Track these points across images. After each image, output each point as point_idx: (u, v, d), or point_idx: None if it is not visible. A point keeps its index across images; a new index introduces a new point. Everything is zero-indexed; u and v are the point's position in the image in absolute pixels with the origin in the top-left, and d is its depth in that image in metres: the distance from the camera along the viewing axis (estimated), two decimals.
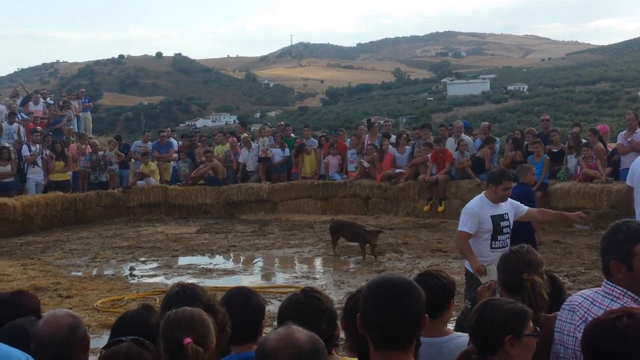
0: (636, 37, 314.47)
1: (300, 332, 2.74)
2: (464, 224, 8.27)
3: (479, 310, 3.57)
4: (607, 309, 3.50)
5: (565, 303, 3.89)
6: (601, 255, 3.74)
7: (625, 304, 3.54)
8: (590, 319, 3.49)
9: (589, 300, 3.73)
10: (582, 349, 3.18)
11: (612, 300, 3.63)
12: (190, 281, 4.37)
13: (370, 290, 3.12)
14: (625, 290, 3.62)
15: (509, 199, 8.47)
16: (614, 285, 3.66)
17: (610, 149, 18.38)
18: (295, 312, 3.96)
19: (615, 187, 16.62)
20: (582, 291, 3.91)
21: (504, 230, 8.33)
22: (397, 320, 3.00)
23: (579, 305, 3.74)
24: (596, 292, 3.76)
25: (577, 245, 15.12)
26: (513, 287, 4.19)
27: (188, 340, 3.36)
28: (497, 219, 8.27)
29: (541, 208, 10.55)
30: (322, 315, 3.92)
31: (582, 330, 3.33)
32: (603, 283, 3.74)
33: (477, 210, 8.23)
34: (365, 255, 14.51)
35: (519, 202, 8.73)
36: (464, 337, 4.22)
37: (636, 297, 3.61)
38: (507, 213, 8.39)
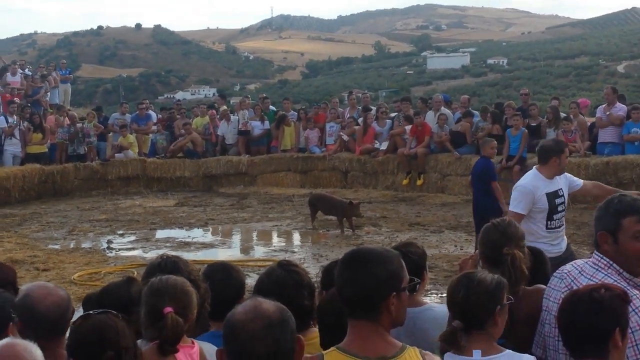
0: (615, 11, 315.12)
1: (268, 303, 2.72)
2: (517, 205, 7.48)
3: (465, 286, 3.57)
4: (591, 278, 3.58)
5: (556, 271, 3.94)
6: (593, 226, 3.78)
7: (608, 275, 3.58)
8: (575, 287, 3.54)
9: (578, 269, 3.77)
10: (558, 319, 3.20)
11: (597, 270, 3.66)
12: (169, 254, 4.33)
13: (341, 260, 3.16)
14: (611, 262, 3.65)
15: (565, 173, 7.79)
16: (601, 255, 3.70)
17: (588, 124, 18.45)
18: (275, 287, 3.92)
19: (592, 161, 16.70)
20: (575, 261, 3.99)
21: (559, 208, 7.53)
22: (350, 286, 3.03)
23: (568, 274, 3.79)
24: (586, 262, 3.80)
25: None
26: (494, 260, 4.20)
27: (169, 309, 3.39)
28: (552, 197, 7.48)
29: (596, 182, 9.56)
30: (303, 289, 3.91)
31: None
32: (597, 256, 3.76)
33: (531, 188, 7.46)
34: (344, 229, 14.51)
35: (572, 176, 8.10)
36: (439, 308, 4.29)
37: (621, 270, 3.63)
38: (561, 189, 7.62)
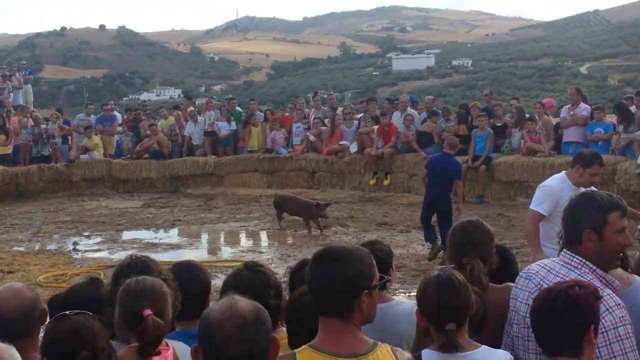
0: (578, 13, 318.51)
1: (244, 302, 2.71)
2: (539, 204, 7.15)
3: (453, 289, 3.58)
4: (564, 277, 3.56)
5: (522, 271, 3.93)
6: (568, 224, 3.75)
7: (582, 274, 3.58)
8: (545, 286, 3.53)
9: (546, 268, 3.76)
10: (531, 318, 3.21)
11: (569, 269, 3.66)
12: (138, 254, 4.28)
13: (312, 258, 3.15)
14: (584, 261, 3.66)
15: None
16: (573, 254, 3.69)
17: (554, 123, 18.63)
18: (242, 287, 3.93)
19: (557, 160, 16.84)
20: (541, 260, 3.98)
21: None
22: (326, 284, 3.02)
23: (536, 274, 3.77)
24: (554, 261, 3.80)
25: (520, 219, 15.26)
26: (458, 263, 4.25)
27: (148, 312, 3.35)
28: None
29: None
30: (270, 289, 3.91)
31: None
32: (562, 253, 3.77)
33: (557, 190, 7.08)
34: (311, 229, 14.53)
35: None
36: (406, 303, 4.39)
37: (594, 267, 3.65)
38: None
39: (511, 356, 3.64)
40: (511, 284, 4.12)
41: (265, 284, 3.92)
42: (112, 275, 3.94)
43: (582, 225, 3.66)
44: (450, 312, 3.54)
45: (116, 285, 3.65)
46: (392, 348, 3.11)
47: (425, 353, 3.51)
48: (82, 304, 3.70)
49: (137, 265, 3.91)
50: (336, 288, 3.00)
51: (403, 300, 4.47)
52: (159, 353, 3.39)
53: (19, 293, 3.59)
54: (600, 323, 3.30)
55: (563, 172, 7.34)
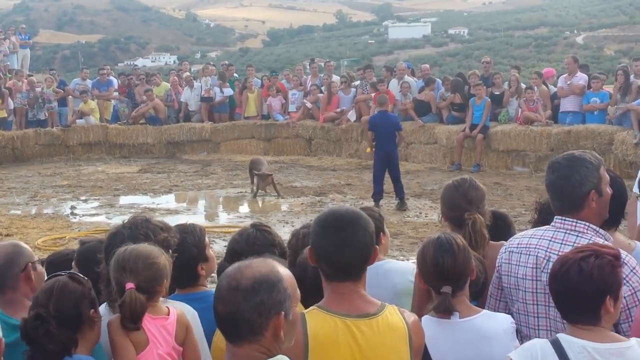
0: None
1: (253, 269, 2.63)
2: None
3: (448, 252, 3.59)
4: (575, 244, 3.50)
5: (511, 246, 3.84)
6: (569, 191, 3.66)
7: (591, 239, 3.53)
8: (554, 257, 3.48)
9: (546, 239, 3.68)
10: (550, 286, 3.19)
11: (577, 236, 3.61)
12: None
13: (318, 222, 3.15)
14: (587, 224, 3.63)
15: None
16: (574, 220, 3.64)
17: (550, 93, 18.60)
18: (248, 245, 3.96)
19: (554, 130, 16.87)
20: (526, 233, 3.87)
21: None
22: (344, 250, 3.02)
23: (537, 247, 3.69)
24: (549, 230, 3.72)
25: (517, 187, 15.35)
26: (455, 221, 4.27)
27: (130, 285, 3.32)
28: None
29: None
30: (274, 247, 3.94)
31: (548, 270, 3.33)
32: (558, 220, 3.70)
33: None
34: (257, 193, 15.11)
35: None
36: (398, 262, 4.64)
37: (597, 229, 3.64)
38: None
39: (512, 319, 3.65)
40: (505, 242, 4.08)
41: (270, 242, 3.96)
42: (107, 236, 3.90)
43: (585, 189, 3.60)
44: (446, 275, 3.56)
45: (109, 248, 3.66)
46: (399, 309, 3.15)
47: (425, 319, 3.53)
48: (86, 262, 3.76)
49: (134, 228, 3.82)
50: (354, 254, 3.04)
51: (390, 260, 4.52)
52: (138, 328, 3.35)
53: None
54: (628, 285, 3.33)
55: None
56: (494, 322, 3.60)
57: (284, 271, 2.66)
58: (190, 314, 3.66)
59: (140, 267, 3.38)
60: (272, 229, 4.15)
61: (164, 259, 3.51)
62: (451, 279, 3.56)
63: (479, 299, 4.01)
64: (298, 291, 2.71)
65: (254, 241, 3.95)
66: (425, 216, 12.88)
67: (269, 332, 2.57)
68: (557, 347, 3.00)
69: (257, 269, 2.61)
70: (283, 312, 2.57)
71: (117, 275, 3.39)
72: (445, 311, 3.52)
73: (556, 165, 3.71)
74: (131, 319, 3.32)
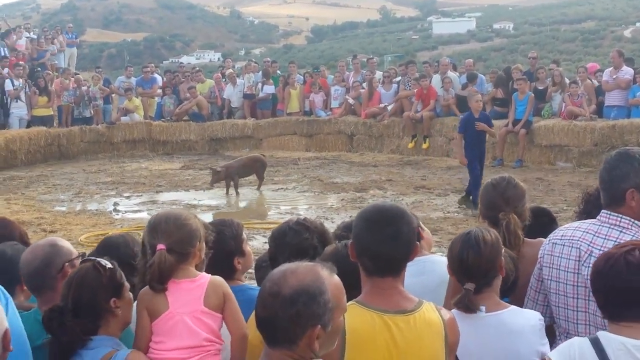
0: None
1: (298, 277, 2.60)
2: None
3: (473, 247, 3.57)
4: (618, 240, 3.45)
5: (554, 237, 3.82)
6: (610, 185, 3.63)
7: (635, 235, 3.49)
8: (596, 252, 3.45)
9: (591, 233, 3.64)
10: (593, 283, 3.12)
11: (620, 231, 3.55)
12: None
13: (361, 216, 3.15)
14: (632, 220, 3.57)
15: None
16: (619, 215, 3.59)
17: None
18: (284, 241, 3.99)
19: (598, 124, 16.68)
20: (571, 225, 3.84)
21: None
22: (387, 245, 3.02)
23: (580, 240, 3.65)
24: (594, 224, 3.68)
25: (559, 183, 15.20)
26: (492, 220, 4.24)
27: (161, 247, 3.36)
28: None
29: None
30: (312, 244, 3.94)
31: (590, 265, 3.30)
32: (604, 214, 3.65)
33: None
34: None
35: None
36: (436, 256, 4.41)
37: None
38: None
39: (541, 316, 3.62)
40: (543, 239, 4.05)
41: (305, 238, 3.94)
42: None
43: (625, 185, 3.55)
44: (469, 271, 3.55)
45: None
46: (437, 306, 3.15)
47: (454, 313, 3.52)
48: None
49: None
50: (399, 249, 3.05)
51: (432, 255, 4.50)
52: (164, 289, 3.39)
53: (35, 249, 3.70)
54: None
55: None
56: (521, 318, 3.57)
57: (330, 281, 2.64)
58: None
59: (171, 228, 3.42)
60: (313, 223, 4.10)
61: (197, 222, 3.54)
62: (475, 276, 3.54)
63: (510, 295, 3.97)
64: (344, 301, 2.70)
65: (292, 237, 3.96)
66: (466, 212, 12.79)
67: (303, 341, 2.56)
68: (596, 344, 2.95)
69: (301, 277, 2.59)
70: (320, 325, 2.55)
71: (149, 238, 3.44)
72: (465, 308, 3.50)
73: (608, 158, 3.70)
74: (159, 280, 3.36)
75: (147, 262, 3.48)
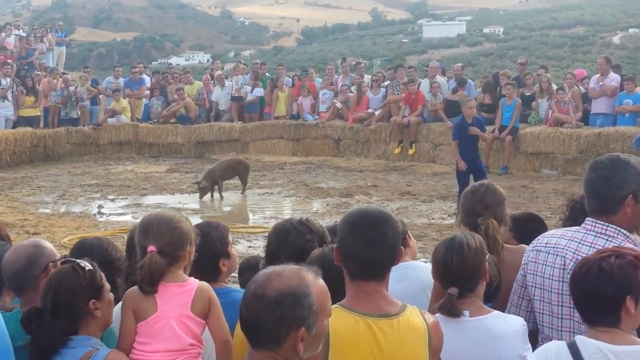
0: None
1: (283, 279, 2.61)
2: None
3: (457, 253, 3.59)
4: (602, 248, 3.42)
5: (538, 245, 3.81)
6: (604, 193, 3.59)
7: (620, 244, 3.47)
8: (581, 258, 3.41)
9: (576, 241, 3.63)
10: (570, 288, 3.18)
11: (606, 240, 3.54)
12: None
13: (345, 221, 3.16)
14: (618, 229, 3.56)
15: None
16: (605, 224, 3.58)
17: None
18: (282, 239, 4.03)
19: (584, 132, 16.72)
20: (555, 232, 3.82)
21: None
22: (372, 249, 3.04)
23: (565, 248, 3.64)
24: (579, 231, 3.67)
25: (544, 190, 15.24)
26: (473, 226, 4.26)
27: (152, 248, 3.38)
28: None
29: None
30: (312, 242, 3.96)
31: None
32: (590, 222, 3.64)
33: None
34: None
35: None
36: (419, 262, 4.47)
37: (627, 234, 3.56)
38: None
39: (524, 322, 3.65)
40: (524, 246, 4.07)
41: (305, 237, 3.96)
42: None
43: (623, 192, 3.53)
44: (453, 276, 3.57)
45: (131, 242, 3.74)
46: (421, 310, 3.17)
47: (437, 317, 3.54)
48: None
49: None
50: (383, 253, 3.06)
51: (415, 262, 4.52)
52: (155, 291, 3.41)
53: (19, 249, 3.71)
54: None
55: None
56: (504, 323, 3.60)
57: (315, 284, 2.64)
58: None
59: (163, 230, 3.45)
60: (315, 224, 4.08)
61: (188, 224, 3.58)
62: (459, 280, 3.56)
63: (493, 301, 4.00)
64: (329, 305, 2.71)
65: (296, 236, 3.97)
66: (451, 218, 12.81)
67: (287, 343, 2.57)
68: (573, 348, 2.99)
69: (285, 280, 2.59)
70: (304, 327, 2.56)
71: (140, 239, 3.46)
72: (448, 312, 3.52)
73: (598, 164, 3.65)
74: (149, 282, 3.39)
75: (131, 262, 3.51)
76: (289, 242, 3.95)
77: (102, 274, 3.44)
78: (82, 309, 3.30)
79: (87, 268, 3.34)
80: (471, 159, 12.93)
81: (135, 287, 3.47)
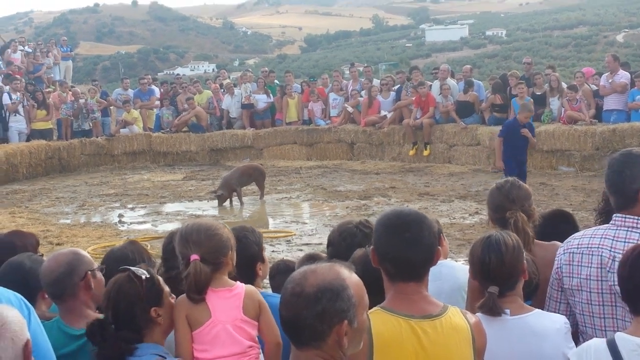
0: None
1: (320, 275, 2.61)
2: None
3: (495, 252, 3.58)
4: (638, 242, 3.40)
5: (570, 247, 3.79)
6: (620, 188, 3.62)
7: None
8: (619, 256, 3.39)
9: (609, 238, 3.61)
10: (620, 282, 3.15)
11: None
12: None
13: (381, 222, 3.14)
14: None
15: None
16: (635, 217, 3.57)
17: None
18: (343, 240, 4.14)
19: (599, 128, 16.74)
20: (585, 233, 3.81)
21: None
22: (409, 250, 3.03)
23: (600, 246, 3.62)
24: (610, 228, 3.65)
25: (563, 187, 15.25)
26: (500, 222, 4.27)
27: (194, 257, 3.41)
28: None
29: None
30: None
31: (615, 270, 3.31)
32: (619, 218, 3.64)
33: None
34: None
35: None
36: (452, 262, 4.54)
37: None
38: None
39: (566, 320, 3.60)
40: (558, 242, 4.06)
41: (368, 237, 3.96)
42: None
43: (636, 185, 3.54)
44: (492, 274, 3.55)
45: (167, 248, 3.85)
46: (462, 310, 3.15)
47: (479, 316, 3.53)
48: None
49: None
50: (420, 253, 3.05)
51: (447, 262, 4.53)
52: (203, 299, 3.45)
53: (58, 257, 3.75)
54: None
55: None
56: (546, 321, 3.56)
57: (350, 278, 2.63)
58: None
59: (202, 238, 3.47)
60: (372, 223, 4.14)
61: (227, 231, 3.61)
62: (498, 279, 3.54)
63: (533, 299, 3.99)
64: (366, 298, 2.69)
65: (362, 239, 4.02)
66: (472, 218, 12.84)
67: (331, 338, 2.54)
68: (612, 345, 2.98)
69: (321, 276, 2.58)
70: (346, 321, 2.54)
71: (181, 248, 3.49)
72: (490, 311, 3.50)
73: (612, 161, 3.69)
74: (196, 290, 3.42)
75: (168, 271, 3.54)
76: (355, 244, 3.97)
77: (160, 278, 3.49)
78: (143, 318, 3.33)
79: (143, 277, 3.37)
80: (517, 164, 12.91)
81: (184, 295, 3.49)
